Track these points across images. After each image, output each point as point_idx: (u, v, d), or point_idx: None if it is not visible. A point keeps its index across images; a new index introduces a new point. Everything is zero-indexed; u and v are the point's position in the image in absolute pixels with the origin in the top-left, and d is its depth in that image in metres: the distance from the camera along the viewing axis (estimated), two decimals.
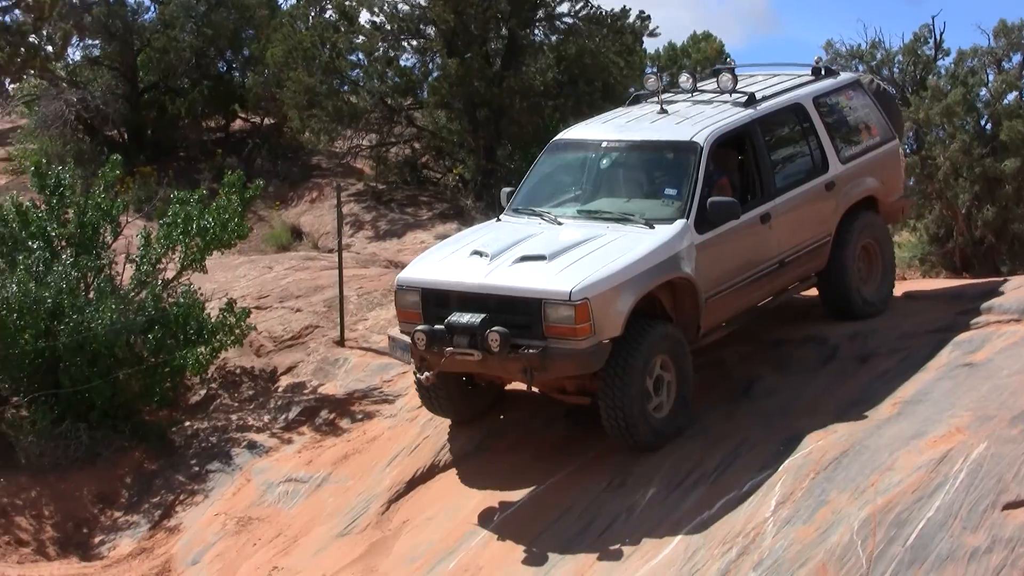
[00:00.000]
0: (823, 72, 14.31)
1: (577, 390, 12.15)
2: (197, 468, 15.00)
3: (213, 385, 16.33)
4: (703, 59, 30.02)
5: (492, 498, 11.86)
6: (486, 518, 11.59)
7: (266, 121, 29.89)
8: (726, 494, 10.87)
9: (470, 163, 26.30)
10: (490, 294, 11.43)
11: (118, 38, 28.83)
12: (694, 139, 12.39)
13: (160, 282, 16.11)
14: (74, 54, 29.85)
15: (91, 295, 15.51)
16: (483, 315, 11.25)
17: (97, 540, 14.34)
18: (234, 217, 16.16)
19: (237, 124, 30.49)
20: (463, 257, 12.13)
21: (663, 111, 13.21)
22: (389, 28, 26.49)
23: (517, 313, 11.27)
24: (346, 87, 27.24)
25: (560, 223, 12.44)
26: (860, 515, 9.55)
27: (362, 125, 27.15)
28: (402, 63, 27.21)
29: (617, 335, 11.23)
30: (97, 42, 29.51)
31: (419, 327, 11.57)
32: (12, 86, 29.37)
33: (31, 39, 24.56)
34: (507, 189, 13.66)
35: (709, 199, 12.02)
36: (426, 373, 11.80)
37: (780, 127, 13.49)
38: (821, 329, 13.30)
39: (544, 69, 25.68)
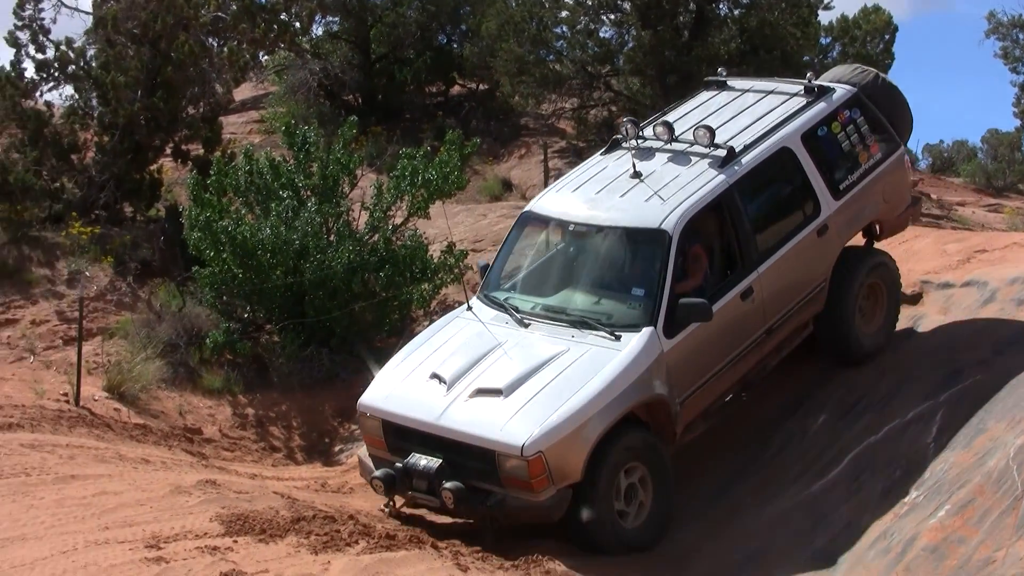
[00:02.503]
0: (816, 91, 11.77)
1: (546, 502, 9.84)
2: None
3: (435, 317, 16.58)
4: (872, 30, 29.27)
5: None
6: None
7: (481, 87, 30.05)
8: (891, 421, 10.72)
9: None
10: (445, 438, 9.84)
11: (354, 15, 29.28)
12: (662, 227, 10.36)
13: (390, 227, 16.40)
14: (317, 30, 30.25)
15: (332, 238, 15.84)
16: (439, 461, 9.75)
17: (336, 449, 14.69)
18: (453, 171, 16.35)
19: (455, 90, 30.68)
20: (422, 382, 10.36)
21: (636, 174, 10.92)
22: (590, 3, 26.41)
23: (475, 459, 9.70)
24: (551, 56, 27.23)
25: (526, 324, 10.56)
26: (1016, 442, 9.31)
27: (565, 90, 27.25)
28: (601, 35, 27.15)
29: (579, 480, 9.56)
30: (336, 19, 29.98)
31: (376, 474, 10.10)
32: (265, 58, 29.91)
33: (282, 17, 24.96)
34: (482, 262, 12.15)
35: (680, 300, 10.11)
36: (388, 508, 10.32)
37: (763, 181, 11.18)
38: (982, 274, 12.88)
39: (728, 39, 25.38)
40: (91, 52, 22.24)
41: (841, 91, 11.89)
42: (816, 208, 11.23)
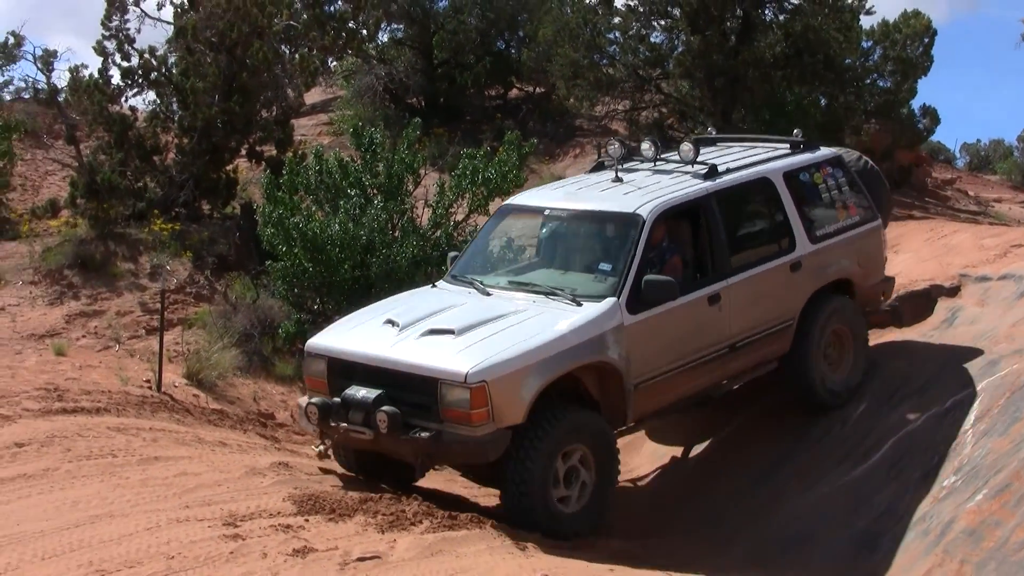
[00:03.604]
0: (802, 147, 11.80)
1: (489, 470, 9.52)
2: None
3: None
4: (912, 33, 28.89)
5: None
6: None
7: (537, 90, 30.02)
8: (930, 409, 10.61)
9: (709, 124, 26.00)
10: (390, 369, 9.26)
11: (418, 22, 29.35)
12: (637, 211, 10.05)
13: (452, 223, 16.39)
14: (383, 36, 30.37)
15: (397, 234, 15.88)
16: (379, 391, 9.15)
17: None
18: (512, 169, 16.33)
19: (513, 93, 30.66)
20: (375, 327, 9.98)
21: (618, 179, 10.82)
22: (641, 10, 26.25)
23: (415, 391, 9.08)
24: (604, 61, 27.12)
25: (489, 293, 10.18)
26: None
27: (617, 92, 27.13)
28: (652, 40, 26.99)
29: (519, 423, 8.99)
30: (401, 26, 30.05)
31: (312, 400, 9.58)
32: (334, 64, 30.02)
33: (350, 25, 25.10)
34: (453, 254, 11.53)
35: (645, 277, 9.68)
36: (320, 447, 9.97)
37: (742, 202, 11.03)
38: (1018, 268, 12.72)
39: (773, 43, 25.15)
40: (172, 60, 22.45)
41: (826, 150, 11.99)
42: (792, 244, 10.99)
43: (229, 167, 22.05)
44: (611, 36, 27.35)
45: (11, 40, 28.20)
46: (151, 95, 22.78)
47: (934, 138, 32.37)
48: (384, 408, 8.99)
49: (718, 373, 10.55)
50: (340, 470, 10.20)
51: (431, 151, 22.92)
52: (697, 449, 12.02)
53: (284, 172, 16.62)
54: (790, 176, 11.17)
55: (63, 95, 23.74)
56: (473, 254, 11.18)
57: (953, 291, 12.88)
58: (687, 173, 10.83)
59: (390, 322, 9.85)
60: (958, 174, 33.19)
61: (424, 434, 8.94)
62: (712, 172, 10.74)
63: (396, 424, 8.95)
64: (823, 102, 26.51)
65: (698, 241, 10.56)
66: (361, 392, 9.24)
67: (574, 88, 26.79)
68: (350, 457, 10.18)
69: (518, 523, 9.03)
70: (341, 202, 15.83)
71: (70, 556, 7.02)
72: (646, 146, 11.25)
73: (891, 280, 12.17)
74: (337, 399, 9.43)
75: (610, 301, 9.62)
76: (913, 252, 14.59)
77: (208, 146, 21.17)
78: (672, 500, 10.91)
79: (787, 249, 10.93)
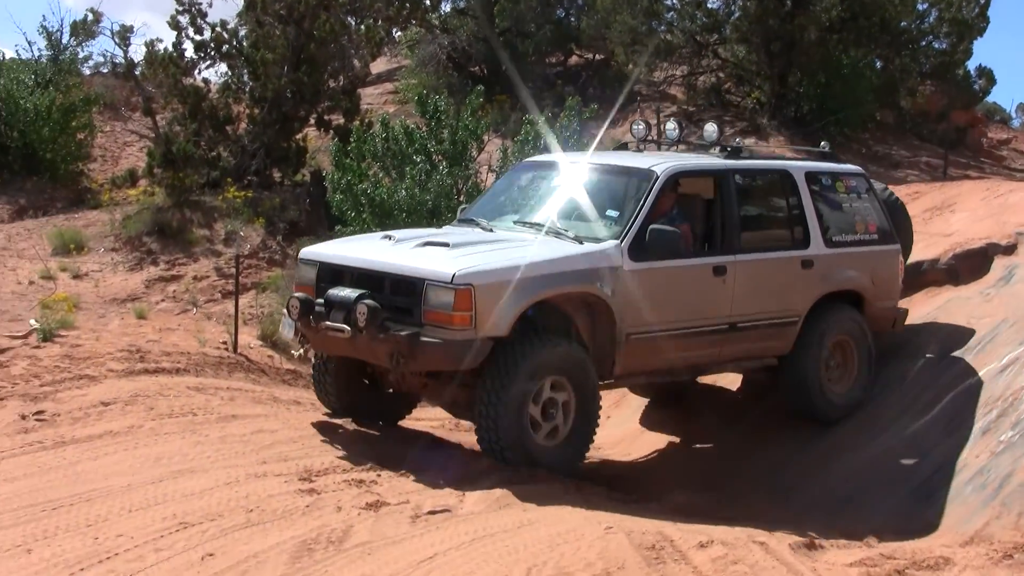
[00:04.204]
0: (829, 156, 11.65)
1: (467, 404, 9.13)
2: None
3: None
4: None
5: None
6: None
7: (597, 57, 29.88)
8: (987, 364, 10.48)
9: (765, 88, 25.83)
10: (378, 271, 8.92)
11: None
12: (652, 168, 9.72)
13: None
14: (445, 7, 30.37)
15: (461, 198, 15.85)
16: (363, 291, 8.74)
17: None
18: (573, 135, 16.27)
19: (573, 60, 30.56)
20: (372, 240, 9.91)
21: (639, 151, 10.81)
22: None
23: (400, 293, 8.70)
24: (663, 27, 26.98)
25: (491, 230, 9.79)
26: None
27: (675, 58, 27.04)
28: (709, 6, 26.79)
29: (501, 335, 8.56)
30: None
31: (296, 294, 9.25)
32: (398, 34, 30.04)
33: None
34: (464, 207, 11.24)
35: (651, 226, 9.24)
36: (299, 351, 9.40)
37: (760, 187, 10.69)
38: None
39: (829, 7, 24.85)
40: (243, 33, 22.60)
41: (852, 167, 11.62)
42: (806, 241, 10.54)
43: (298, 136, 22.18)
44: (669, 2, 27.22)
45: (90, 17, 28.61)
46: (223, 67, 23.01)
47: (990, 99, 32.02)
48: (365, 300, 8.58)
49: (715, 350, 10.05)
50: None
51: (493, 118, 22.87)
52: (756, 405, 11.94)
53: (352, 140, 16.66)
54: (812, 176, 10.79)
55: (139, 69, 23.98)
56: (483, 203, 10.79)
57: (1010, 249, 12.64)
58: (709, 152, 10.71)
59: (387, 237, 9.77)
60: (1014, 134, 32.69)
61: (402, 332, 8.48)
62: (734, 152, 10.57)
63: (375, 318, 8.51)
64: (878, 65, 26.18)
65: (711, 214, 10.19)
66: (345, 291, 8.85)
67: (633, 54, 26.67)
68: (332, 392, 9.88)
69: (490, 449, 8.77)
70: (407, 168, 15.84)
71: (155, 509, 7.12)
72: (671, 127, 11.01)
73: (904, 311, 11.52)
74: (321, 300, 9.04)
75: (612, 243, 9.23)
76: (969, 211, 14.34)
77: (278, 116, 21.30)
78: (734, 455, 10.85)
79: (800, 245, 10.51)
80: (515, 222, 9.95)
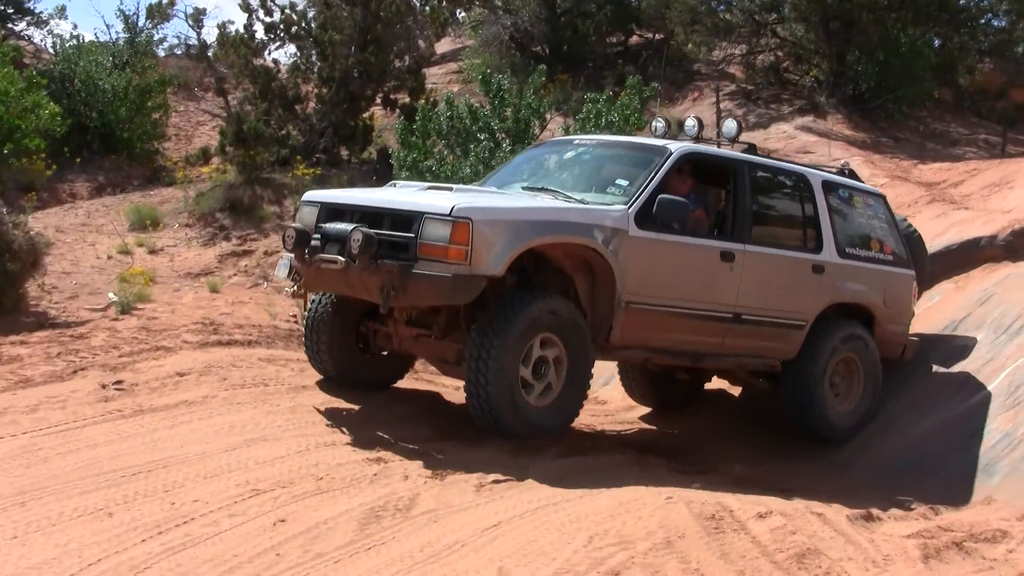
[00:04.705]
0: (848, 173, 11.15)
1: (458, 360, 8.82)
2: None
3: None
4: None
5: None
6: None
7: (657, 36, 29.62)
8: None
9: (823, 66, 25.48)
10: (379, 208, 8.61)
11: None
12: (667, 145, 9.61)
13: None
14: None
15: None
16: (359, 225, 8.40)
17: None
18: (633, 113, 16.19)
19: (634, 39, 30.29)
20: (377, 188, 9.73)
21: (657, 139, 10.47)
22: None
23: (397, 228, 8.33)
24: (721, 6, 26.68)
25: (502, 192, 9.49)
26: None
27: (734, 37, 26.69)
28: None
29: (495, 274, 8.23)
30: None
31: (293, 224, 9.00)
32: (462, 15, 30.00)
33: None
34: (475, 183, 11.03)
35: (660, 195, 8.93)
36: (294, 288, 8.99)
37: (776, 186, 10.30)
38: None
39: None
40: (311, 14, 22.66)
41: (873, 187, 11.33)
42: (818, 246, 10.21)
43: (365, 115, 22.24)
44: None
45: (165, 0, 28.73)
46: (292, 48, 23.14)
47: None
48: (360, 228, 8.27)
49: (717, 340, 9.65)
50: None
51: (556, 96, 22.79)
52: None
53: (417, 118, 16.68)
54: (829, 186, 10.50)
55: (212, 50, 24.16)
56: (496, 175, 10.52)
57: None
58: (726, 146, 10.60)
59: (393, 185, 9.63)
60: None
61: (395, 263, 8.16)
62: (752, 148, 10.41)
63: (369, 246, 8.15)
64: (937, 43, 25.74)
65: (724, 203, 9.99)
66: (341, 225, 8.54)
67: (692, 34, 26.44)
68: (324, 355, 9.54)
69: (477, 407, 8.44)
70: (471, 146, 15.84)
71: (228, 476, 7.19)
72: (691, 123, 10.57)
73: (915, 340, 11.05)
74: (318, 234, 8.73)
75: (618, 206, 8.89)
76: None
77: (345, 95, 21.36)
78: (792, 428, 10.78)
79: (813, 249, 10.18)
80: (523, 188, 9.62)
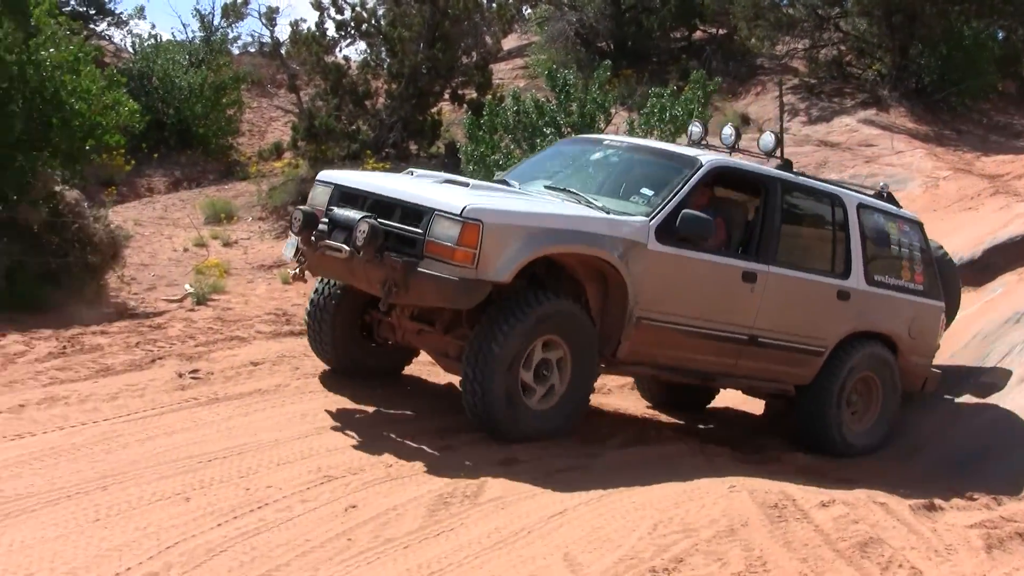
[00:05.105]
0: (886, 196, 10.42)
1: (459, 356, 8.23)
2: None
3: None
4: None
5: None
6: None
7: (720, 31, 29.40)
8: None
9: (886, 60, 25.17)
10: (391, 197, 8.04)
11: None
12: (698, 156, 9.01)
13: None
14: None
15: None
16: (367, 213, 7.89)
17: None
18: (697, 107, 16.10)
19: (697, 35, 30.07)
20: (394, 175, 9.23)
21: (691, 146, 9.91)
22: None
23: (407, 221, 7.83)
24: (785, 1, 26.46)
25: (520, 192, 8.91)
26: None
27: (797, 32, 26.44)
28: None
29: (501, 281, 7.69)
30: None
31: (300, 207, 8.45)
32: (528, 11, 29.97)
33: None
34: (499, 175, 10.45)
35: (684, 210, 8.41)
36: (296, 271, 8.54)
37: (808, 206, 9.75)
38: None
39: None
40: (381, 12, 22.74)
41: (909, 213, 10.68)
42: (847, 271, 9.63)
43: (434, 110, 22.31)
44: None
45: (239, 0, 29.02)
46: (362, 45, 23.29)
47: None
48: (367, 219, 7.76)
49: (730, 361, 9.11)
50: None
51: (620, 91, 22.69)
52: None
53: (484, 113, 16.69)
54: (864, 209, 9.88)
55: (284, 48, 24.33)
56: (520, 169, 10.01)
57: None
58: (761, 160, 10.00)
59: (409, 172, 9.15)
60: None
61: (399, 259, 7.64)
62: (787, 165, 9.82)
63: (375, 237, 7.67)
64: (1000, 35, 25.32)
65: (751, 220, 9.42)
66: (350, 211, 8.06)
67: (755, 28, 26.24)
68: (327, 343, 9.14)
69: (472, 404, 7.94)
70: (538, 140, 15.82)
71: (301, 463, 7.24)
72: (727, 131, 9.96)
73: (938, 373, 10.44)
74: (326, 219, 8.24)
75: (640, 218, 8.36)
76: None
77: (414, 91, 21.45)
78: None
79: (841, 274, 9.60)
80: (545, 187, 9.07)
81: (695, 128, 10.25)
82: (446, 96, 22.55)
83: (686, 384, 9.83)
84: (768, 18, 25.71)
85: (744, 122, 24.34)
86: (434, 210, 7.68)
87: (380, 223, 7.77)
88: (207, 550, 5.80)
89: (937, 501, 7.89)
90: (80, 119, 13.30)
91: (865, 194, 10.28)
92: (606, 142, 9.91)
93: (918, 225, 10.44)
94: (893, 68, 24.61)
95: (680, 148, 9.61)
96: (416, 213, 7.80)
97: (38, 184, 12.78)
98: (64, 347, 10.09)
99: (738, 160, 9.61)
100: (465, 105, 21.76)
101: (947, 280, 10.63)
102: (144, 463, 7.00)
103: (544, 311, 7.90)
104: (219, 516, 6.25)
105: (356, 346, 9.20)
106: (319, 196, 8.56)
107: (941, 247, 11.14)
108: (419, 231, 7.70)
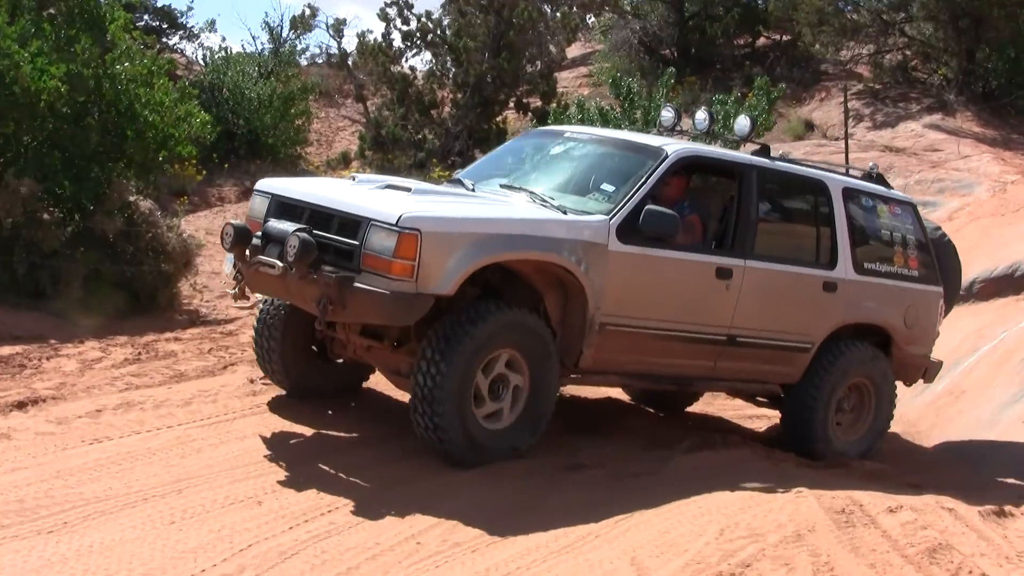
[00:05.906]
0: (876, 178, 9.73)
1: (409, 372, 7.44)
2: None
3: None
4: None
5: None
6: None
7: (784, 38, 29.24)
8: None
9: (952, 64, 24.86)
10: (327, 208, 7.36)
11: None
12: (663, 147, 8.27)
13: None
14: None
15: None
16: (302, 226, 7.20)
17: None
18: (762, 113, 16.03)
19: (761, 41, 29.95)
20: (335, 181, 8.63)
21: (659, 135, 9.26)
22: None
23: (345, 234, 7.17)
24: (849, 6, 26.24)
25: (473, 190, 8.22)
26: None
27: (862, 37, 26.23)
28: None
29: (444, 294, 7.02)
30: None
31: (232, 221, 7.70)
32: (592, 20, 29.96)
33: None
34: (456, 173, 9.55)
35: (647, 206, 7.70)
36: (235, 290, 7.90)
37: (789, 193, 9.06)
38: None
39: None
40: (446, 22, 22.87)
41: (901, 194, 10.01)
42: (832, 261, 8.96)
43: (499, 118, 22.43)
44: None
45: (307, 12, 29.36)
46: (428, 55, 23.42)
47: None
48: (299, 233, 7.08)
49: (707, 363, 8.50)
50: None
51: (684, 98, 22.64)
52: (944, 377, 11.57)
53: (549, 121, 16.76)
54: (850, 194, 9.19)
55: (351, 58, 24.58)
56: (477, 166, 9.39)
57: None
58: (735, 147, 9.52)
59: (352, 178, 8.47)
60: None
61: (334, 274, 7.00)
62: (764, 151, 9.02)
63: (307, 252, 7.01)
64: None
65: (725, 211, 8.72)
66: (284, 224, 7.39)
67: (819, 34, 26.05)
68: (276, 363, 8.48)
69: (422, 424, 7.26)
70: None
71: (370, 469, 7.30)
72: (701, 116, 9.23)
73: (938, 363, 9.93)
74: (259, 233, 7.62)
75: (599, 217, 7.69)
76: None
77: (479, 99, 21.56)
78: (924, 425, 10.54)
79: (826, 264, 8.94)
80: (501, 185, 8.39)
81: (666, 113, 9.57)
82: (511, 104, 22.63)
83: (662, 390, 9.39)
84: (832, 24, 25.52)
85: (808, 128, 24.19)
86: (370, 220, 7.05)
87: (315, 236, 7.16)
88: (279, 553, 5.86)
89: (1007, 507, 7.74)
90: (153, 131, 13.51)
91: (853, 177, 9.66)
92: (567, 134, 9.12)
93: (911, 207, 9.76)
94: (959, 72, 24.32)
95: (646, 138, 9.00)
96: (353, 224, 7.17)
97: (113, 194, 12.99)
98: (139, 354, 10.24)
99: (709, 148, 9.09)
100: (530, 113, 21.84)
101: (946, 264, 9.96)
102: (217, 467, 7.08)
103: (495, 323, 7.29)
104: (291, 520, 6.32)
105: (308, 366, 8.56)
106: (257, 207, 8.00)
107: (939, 228, 10.54)
108: (356, 243, 7.09)
